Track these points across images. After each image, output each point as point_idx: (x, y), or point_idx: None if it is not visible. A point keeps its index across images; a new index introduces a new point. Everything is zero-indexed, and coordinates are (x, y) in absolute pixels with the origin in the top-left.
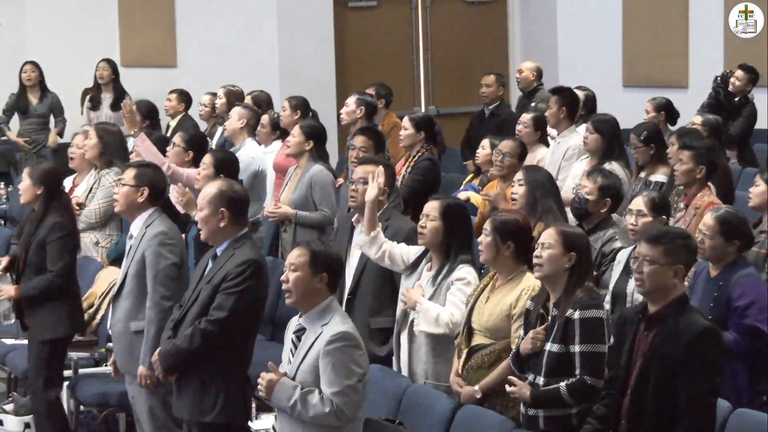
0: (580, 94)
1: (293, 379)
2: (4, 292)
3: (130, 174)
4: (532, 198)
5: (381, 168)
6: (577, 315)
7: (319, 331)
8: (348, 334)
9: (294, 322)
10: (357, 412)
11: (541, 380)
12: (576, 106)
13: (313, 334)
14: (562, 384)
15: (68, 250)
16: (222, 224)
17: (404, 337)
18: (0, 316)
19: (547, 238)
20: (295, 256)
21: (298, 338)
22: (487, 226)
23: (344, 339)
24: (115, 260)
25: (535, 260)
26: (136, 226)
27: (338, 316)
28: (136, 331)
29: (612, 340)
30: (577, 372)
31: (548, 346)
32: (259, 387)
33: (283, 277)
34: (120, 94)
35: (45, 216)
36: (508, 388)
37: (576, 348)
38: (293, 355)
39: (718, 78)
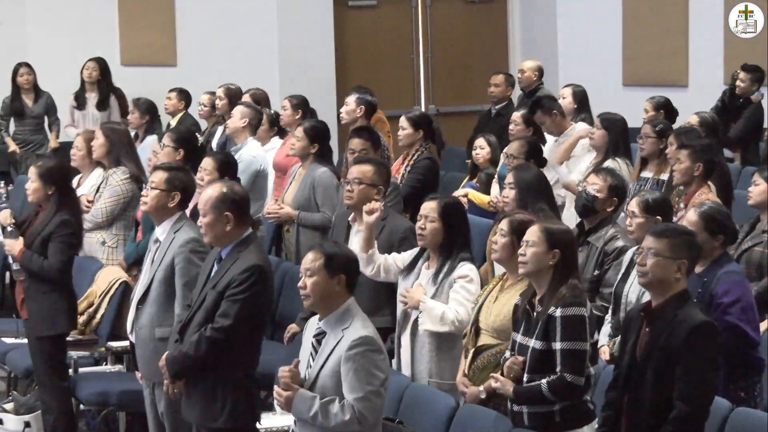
0: (569, 90)
1: (314, 383)
2: (8, 247)
3: (161, 177)
4: (521, 200)
5: (378, 204)
6: (558, 312)
7: (340, 336)
8: (369, 339)
9: (313, 324)
10: (380, 417)
11: (525, 376)
12: (559, 105)
13: (334, 338)
14: (543, 381)
15: (70, 248)
16: (228, 228)
17: (406, 338)
18: (15, 270)
19: (531, 235)
20: (310, 260)
21: (319, 342)
22: (504, 226)
23: (366, 344)
24: (133, 262)
25: (519, 258)
26: (162, 231)
27: (359, 320)
28: (161, 338)
29: (596, 337)
30: (558, 369)
31: (531, 343)
32: (277, 401)
33: (300, 284)
34: (106, 94)
35: (55, 214)
36: (492, 383)
37: (557, 345)
38: (313, 360)
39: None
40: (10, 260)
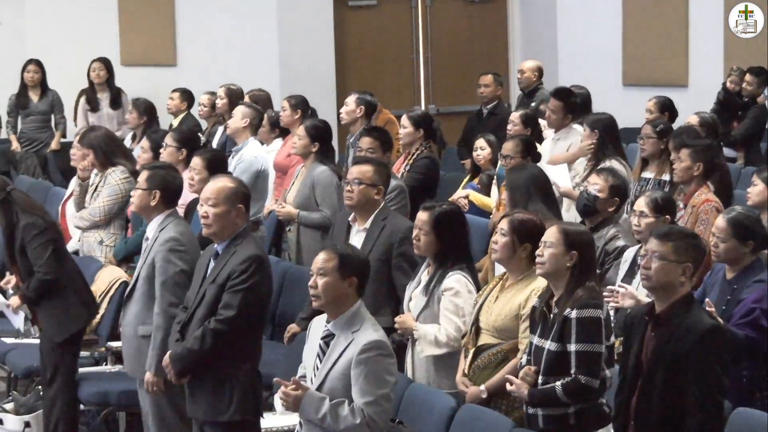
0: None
1: (322, 384)
2: (12, 303)
3: (143, 177)
4: (512, 201)
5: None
6: (574, 314)
7: (350, 339)
8: (381, 343)
9: (318, 324)
10: (387, 420)
11: (540, 379)
12: (576, 105)
13: (344, 341)
14: (558, 383)
15: (47, 245)
16: (236, 220)
17: (408, 346)
18: (21, 331)
19: (549, 236)
20: (323, 260)
21: (327, 344)
22: (504, 226)
23: (377, 348)
24: (123, 259)
25: (537, 259)
26: (151, 229)
27: (369, 324)
28: (144, 336)
29: (612, 339)
30: (573, 371)
31: (547, 345)
32: (282, 402)
33: (311, 282)
34: (117, 92)
35: (17, 222)
36: (507, 386)
37: (572, 347)
38: (321, 362)
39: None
40: (20, 321)
